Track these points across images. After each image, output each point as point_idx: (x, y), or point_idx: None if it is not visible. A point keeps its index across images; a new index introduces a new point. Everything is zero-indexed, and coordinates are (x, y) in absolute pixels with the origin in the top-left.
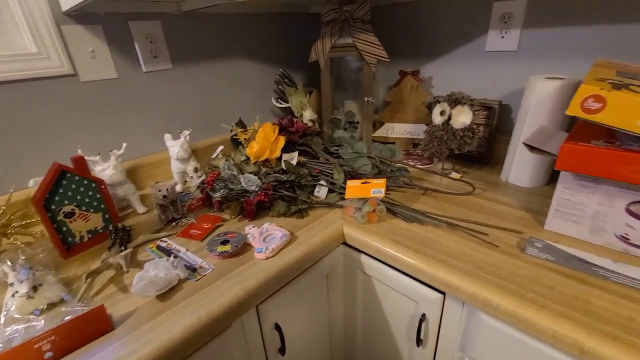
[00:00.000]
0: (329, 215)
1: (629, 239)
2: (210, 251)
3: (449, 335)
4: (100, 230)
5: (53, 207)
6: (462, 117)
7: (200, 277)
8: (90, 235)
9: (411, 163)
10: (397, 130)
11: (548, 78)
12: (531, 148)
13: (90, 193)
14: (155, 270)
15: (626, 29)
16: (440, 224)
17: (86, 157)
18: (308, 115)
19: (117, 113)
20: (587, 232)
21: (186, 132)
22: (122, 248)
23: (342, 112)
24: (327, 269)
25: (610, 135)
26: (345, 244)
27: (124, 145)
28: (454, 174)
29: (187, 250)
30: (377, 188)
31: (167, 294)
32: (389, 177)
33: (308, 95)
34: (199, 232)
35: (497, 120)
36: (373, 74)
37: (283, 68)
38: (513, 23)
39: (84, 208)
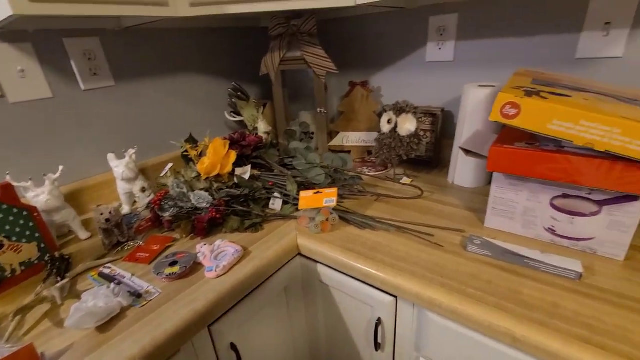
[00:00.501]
0: (284, 227)
1: (555, 231)
2: (158, 274)
3: (405, 337)
4: (36, 262)
5: None
6: (408, 125)
7: (145, 302)
8: (23, 268)
9: (366, 170)
10: (352, 139)
11: (481, 86)
12: (467, 152)
13: (22, 222)
14: (95, 300)
15: (542, 40)
16: (390, 229)
17: (16, 184)
18: (262, 127)
19: (53, 134)
20: (520, 227)
21: (131, 151)
22: (59, 279)
23: (297, 124)
24: (284, 281)
25: (532, 138)
26: (301, 255)
27: (61, 168)
28: (405, 179)
29: (133, 275)
30: (329, 197)
31: (108, 324)
32: (344, 186)
33: (262, 107)
34: (147, 254)
35: (442, 126)
36: (324, 86)
37: (236, 81)
38: (448, 35)
39: (14, 239)
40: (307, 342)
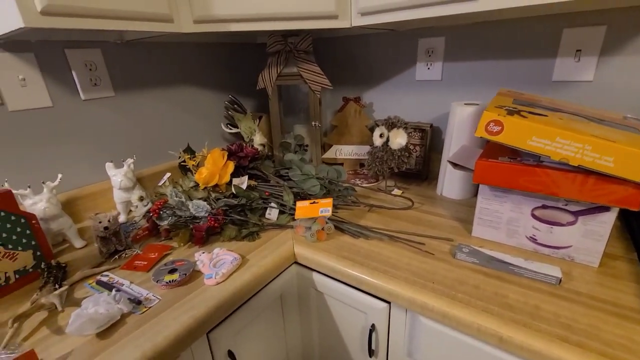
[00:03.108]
0: (280, 236)
1: (536, 239)
2: (157, 281)
3: (398, 342)
4: (31, 270)
5: None
6: (399, 139)
7: (145, 309)
8: (17, 276)
9: (358, 182)
10: (345, 151)
11: (467, 104)
12: (454, 165)
13: (19, 229)
14: (95, 307)
15: (521, 63)
16: (383, 238)
17: (14, 191)
18: (258, 139)
19: (52, 142)
20: (505, 236)
21: (130, 161)
22: (56, 286)
23: (292, 136)
24: (280, 289)
25: (514, 153)
26: (297, 263)
27: (59, 176)
28: (396, 191)
29: (132, 282)
30: (324, 207)
31: (108, 330)
32: (338, 197)
33: (258, 120)
34: (145, 262)
35: (430, 141)
36: (319, 100)
37: (232, 94)
38: (436, 57)
39: (10, 246)
40: (301, 349)
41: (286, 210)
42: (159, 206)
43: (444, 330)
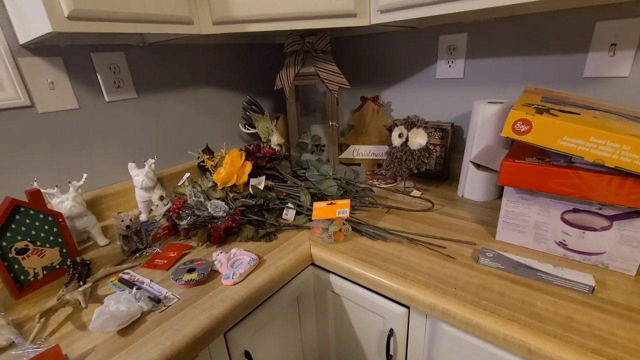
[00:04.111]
0: (297, 237)
1: (566, 245)
2: (176, 280)
3: (417, 348)
4: (57, 266)
5: (4, 244)
6: (418, 139)
7: (165, 307)
8: (45, 272)
9: (376, 183)
10: (362, 151)
11: (490, 102)
12: (477, 166)
13: (47, 227)
14: (117, 304)
15: (549, 59)
16: (402, 240)
17: (43, 190)
18: (275, 140)
19: (78, 143)
20: (532, 240)
21: (151, 161)
22: (81, 283)
23: (310, 136)
24: (297, 290)
25: (542, 153)
26: (314, 264)
27: (85, 175)
28: (415, 192)
29: (152, 281)
30: (342, 208)
31: (128, 328)
32: (355, 197)
33: (275, 120)
34: (165, 261)
35: (451, 140)
36: (336, 100)
37: (250, 95)
38: (458, 54)
39: (38, 243)
40: (317, 351)
41: (303, 211)
42: (179, 206)
43: (467, 339)
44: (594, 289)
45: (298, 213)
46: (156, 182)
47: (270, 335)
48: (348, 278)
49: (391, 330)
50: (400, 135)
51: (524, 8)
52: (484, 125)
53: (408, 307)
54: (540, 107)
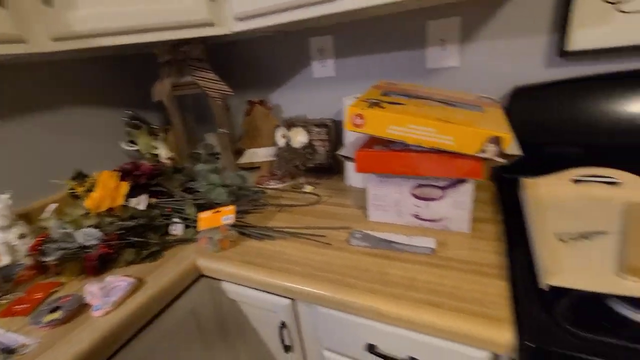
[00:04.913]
0: (186, 251)
1: (419, 215)
2: (37, 324)
3: (308, 335)
4: None
5: None
6: (299, 137)
7: (20, 356)
8: None
9: (273, 183)
10: (260, 154)
11: (357, 97)
12: (345, 157)
13: None
14: None
15: (401, 55)
16: (286, 236)
17: None
18: (164, 153)
19: None
20: (395, 216)
21: (4, 196)
22: None
23: (203, 146)
24: (189, 304)
25: (388, 141)
26: (205, 275)
27: None
28: (307, 187)
29: (8, 330)
30: (227, 215)
31: None
32: (249, 201)
33: (164, 133)
34: (27, 305)
35: (335, 135)
36: (223, 107)
37: (135, 110)
38: (327, 54)
39: None
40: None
41: (191, 224)
42: (39, 242)
43: (339, 316)
44: (434, 250)
45: (187, 226)
46: (14, 219)
47: (172, 352)
48: (238, 282)
49: (282, 323)
50: (283, 136)
51: (365, 13)
52: None
53: (293, 299)
54: (374, 101)
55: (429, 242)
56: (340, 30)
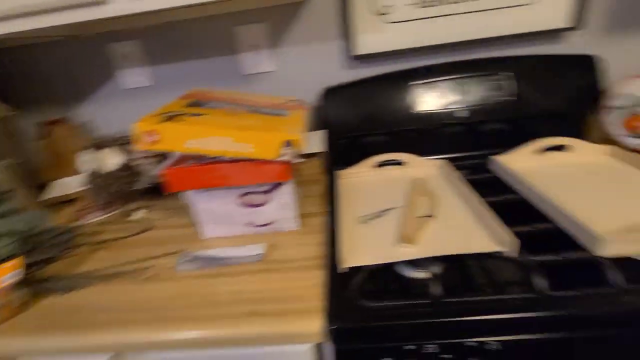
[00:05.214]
0: None
1: (253, 223)
2: None
3: None
4: None
5: None
6: (112, 159)
7: None
8: None
9: (94, 216)
10: (73, 184)
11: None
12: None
13: None
14: None
15: (218, 61)
16: (95, 281)
17: None
18: None
19: None
20: (228, 229)
21: None
22: None
23: None
24: None
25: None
26: None
27: None
28: (140, 213)
29: None
30: (10, 272)
31: None
32: (52, 246)
33: None
34: None
35: None
36: (9, 133)
37: None
38: (137, 62)
39: None
40: None
41: None
42: None
43: (168, 356)
44: (262, 255)
45: None
46: None
47: None
48: (38, 356)
49: None
50: (91, 161)
51: (164, 16)
52: None
53: (114, 354)
54: (170, 114)
55: (258, 249)
56: (150, 35)
